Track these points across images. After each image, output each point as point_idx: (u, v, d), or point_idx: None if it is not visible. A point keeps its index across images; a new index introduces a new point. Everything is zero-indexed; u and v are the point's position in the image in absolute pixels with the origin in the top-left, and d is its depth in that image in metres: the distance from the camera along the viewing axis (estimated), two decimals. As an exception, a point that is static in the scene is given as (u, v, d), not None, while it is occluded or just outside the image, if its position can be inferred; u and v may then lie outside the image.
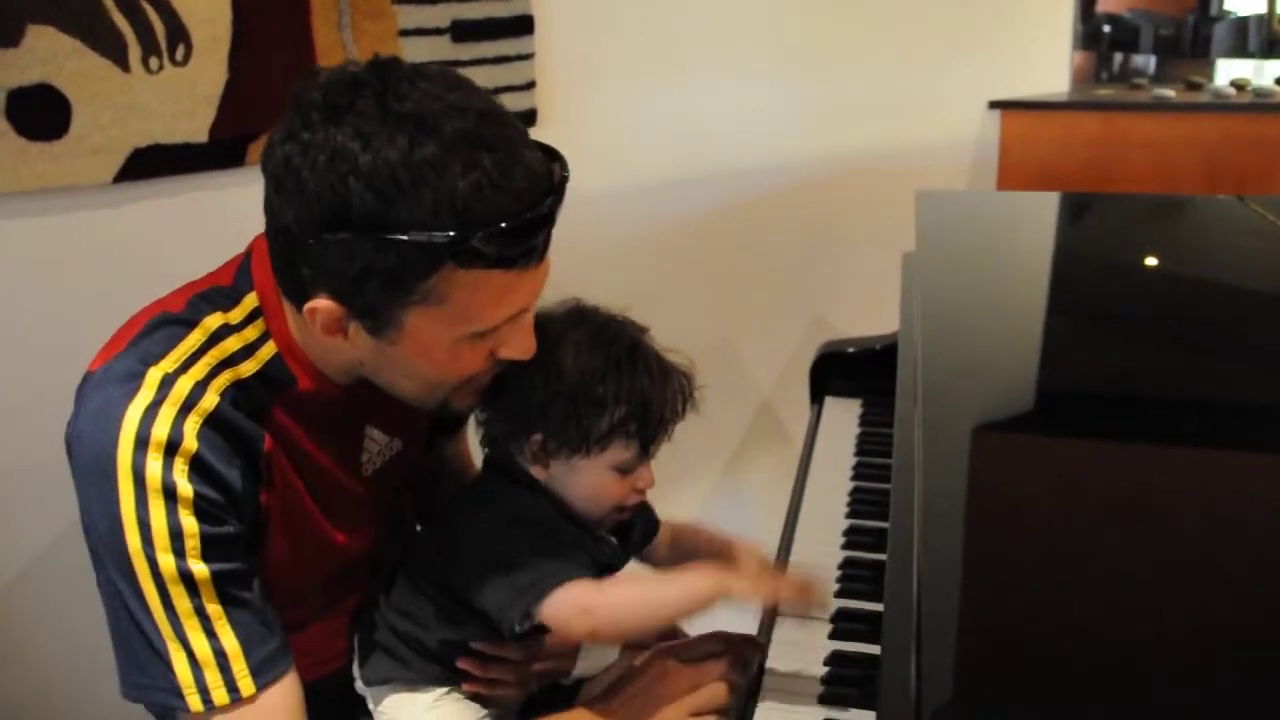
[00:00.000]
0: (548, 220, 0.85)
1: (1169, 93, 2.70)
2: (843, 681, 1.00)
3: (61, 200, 1.34)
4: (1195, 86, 2.86)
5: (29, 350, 1.34)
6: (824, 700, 0.98)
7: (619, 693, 1.00)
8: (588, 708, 0.99)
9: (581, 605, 0.93)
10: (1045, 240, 1.78)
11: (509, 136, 0.83)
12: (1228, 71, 3.05)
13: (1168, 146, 2.57)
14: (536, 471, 1.01)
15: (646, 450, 1.00)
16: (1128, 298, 1.49)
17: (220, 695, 0.88)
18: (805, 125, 2.30)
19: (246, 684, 0.89)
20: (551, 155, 0.88)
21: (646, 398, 0.97)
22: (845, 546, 1.24)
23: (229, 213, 1.37)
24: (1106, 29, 3.10)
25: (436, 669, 1.04)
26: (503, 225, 0.81)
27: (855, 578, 1.17)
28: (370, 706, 1.07)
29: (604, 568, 1.05)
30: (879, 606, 1.00)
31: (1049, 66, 2.87)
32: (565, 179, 0.87)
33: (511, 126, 0.85)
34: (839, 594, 1.14)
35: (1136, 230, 1.87)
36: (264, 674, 0.90)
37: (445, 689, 1.05)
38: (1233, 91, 2.71)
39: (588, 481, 1.00)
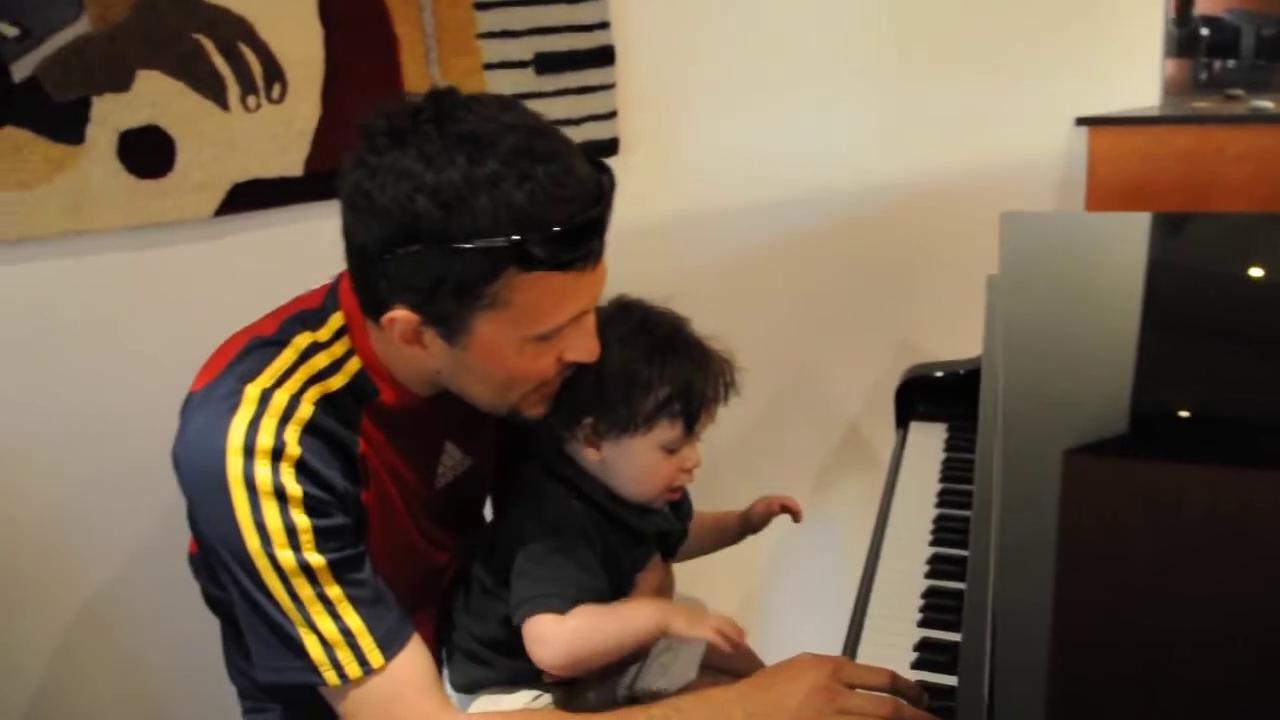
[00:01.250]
0: (599, 224, 0.92)
1: (1267, 104, 2.61)
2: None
3: (167, 234, 1.41)
4: (1296, 96, 2.77)
5: (138, 373, 1.41)
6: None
7: (764, 685, 0.98)
8: (720, 691, 0.98)
9: (540, 638, 1.01)
10: (1135, 261, 1.74)
11: (560, 150, 0.90)
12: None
13: (1266, 159, 2.48)
14: (589, 454, 1.06)
15: (691, 429, 1.06)
16: (1223, 320, 1.44)
17: (353, 669, 0.95)
18: (888, 147, 2.29)
19: (375, 656, 0.95)
20: (599, 167, 0.94)
21: (688, 378, 1.04)
22: (929, 575, 1.23)
23: (323, 243, 1.41)
24: (1204, 32, 3.01)
25: (522, 664, 1.06)
26: (558, 229, 0.87)
27: (939, 607, 1.16)
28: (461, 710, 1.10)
29: (661, 534, 1.14)
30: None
31: (1139, 78, 2.80)
32: (613, 187, 0.93)
33: (562, 141, 0.92)
34: (921, 624, 1.13)
35: (1233, 249, 1.81)
36: (390, 645, 0.97)
37: (535, 692, 1.08)
38: (1336, 102, 2.61)
39: (637, 461, 1.05)
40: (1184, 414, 1.19)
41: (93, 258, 1.36)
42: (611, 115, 1.80)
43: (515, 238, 0.86)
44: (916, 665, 1.07)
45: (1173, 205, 2.46)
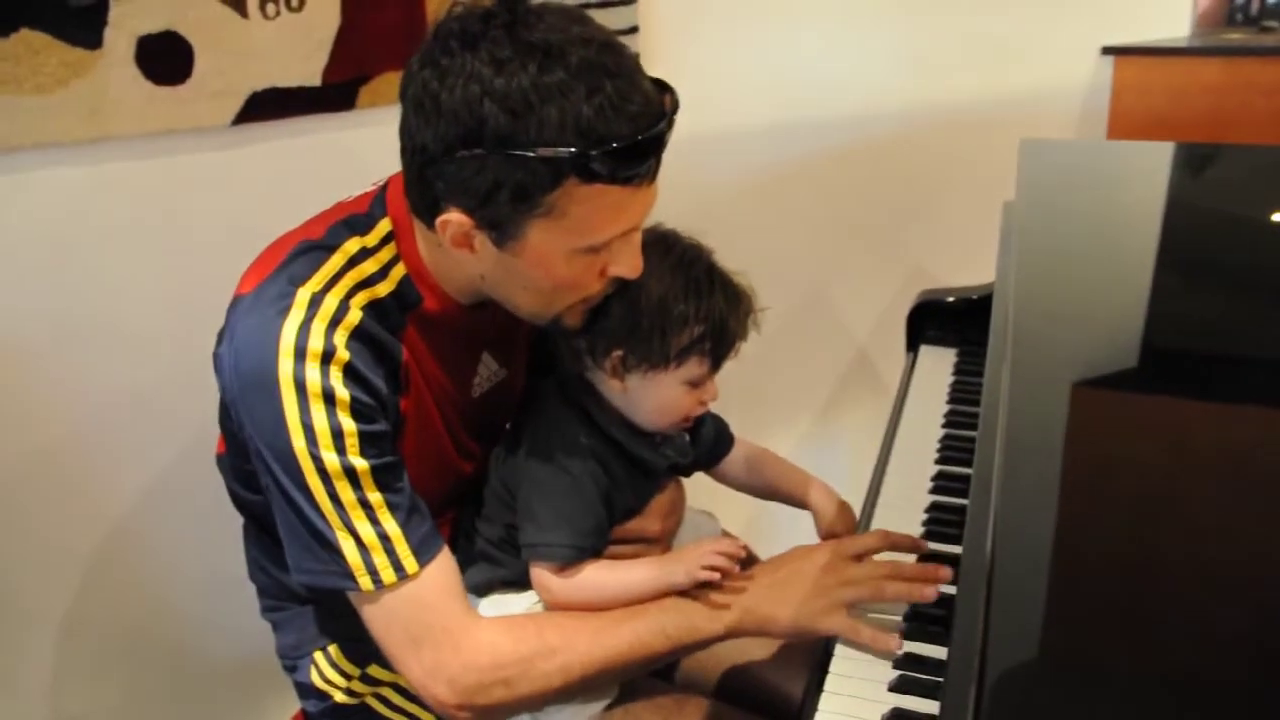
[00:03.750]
0: (661, 142, 0.91)
1: (1299, 37, 2.57)
2: (924, 619, 1.02)
3: (184, 141, 1.41)
4: (1332, 30, 2.71)
5: (153, 282, 1.42)
6: (904, 635, 1.00)
7: (774, 572, 1.05)
8: (728, 584, 1.04)
9: (543, 586, 1.04)
10: (1153, 191, 1.73)
11: (628, 67, 0.90)
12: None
13: (1296, 95, 2.44)
14: (614, 385, 1.06)
15: (717, 365, 1.07)
16: (1239, 254, 1.44)
17: (388, 574, 0.97)
18: (910, 72, 2.26)
19: (410, 563, 0.98)
20: (663, 87, 0.94)
21: (722, 317, 1.04)
22: (933, 491, 1.25)
23: (340, 154, 1.43)
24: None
25: None
26: (621, 144, 0.88)
27: (942, 521, 1.18)
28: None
29: (672, 467, 1.15)
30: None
31: (1171, 9, 2.75)
32: (676, 106, 0.93)
33: (629, 58, 0.91)
34: (925, 536, 1.15)
35: (1254, 183, 1.80)
36: (424, 553, 0.99)
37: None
38: (1371, 35, 2.56)
39: (661, 394, 1.06)
40: (1193, 347, 1.19)
41: (110, 165, 1.37)
42: (633, 30, 1.79)
43: (577, 149, 0.87)
44: (918, 576, 1.09)
45: (1196, 137, 2.43)
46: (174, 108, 1.38)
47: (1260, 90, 2.46)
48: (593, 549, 1.05)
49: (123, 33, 1.32)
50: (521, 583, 1.08)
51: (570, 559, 1.03)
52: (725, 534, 1.26)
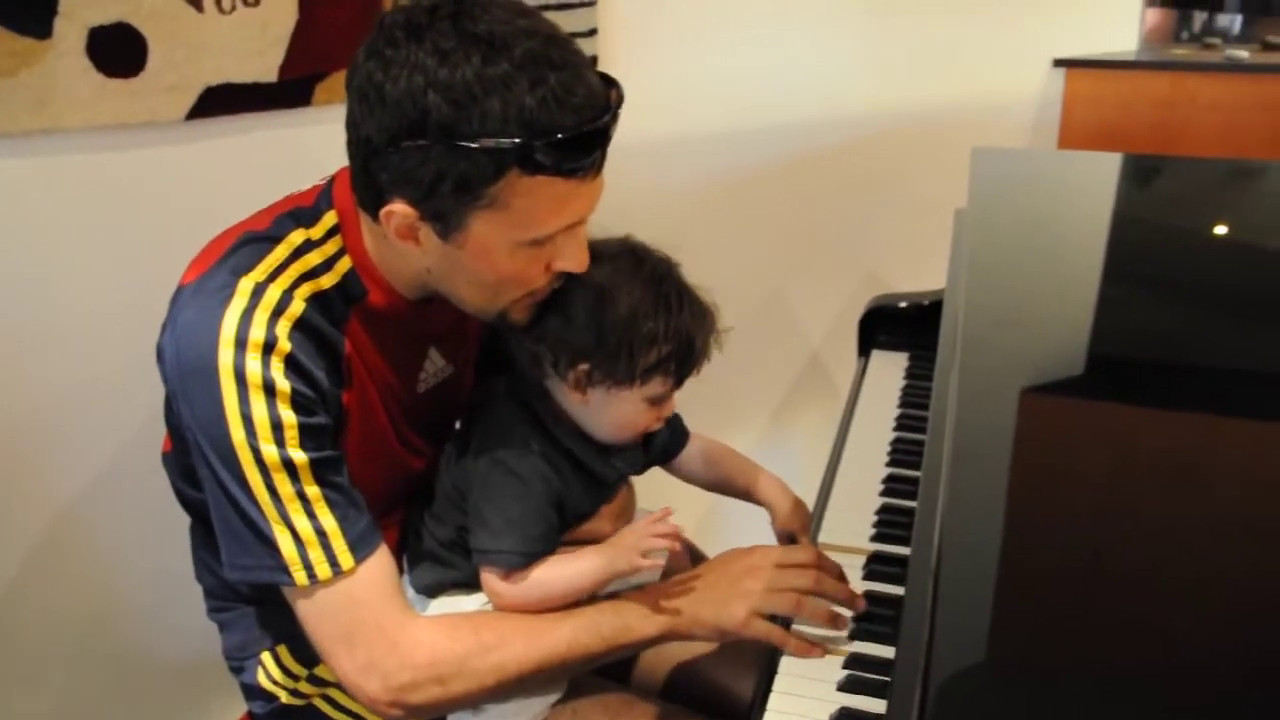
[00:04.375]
0: (605, 134, 0.92)
1: (1242, 53, 2.63)
2: (874, 619, 1.04)
3: (136, 135, 1.39)
4: (1273, 47, 2.78)
5: (102, 278, 1.40)
6: (852, 636, 1.02)
7: (705, 574, 1.06)
8: (664, 585, 1.05)
9: (492, 590, 1.04)
10: (1101, 201, 1.77)
11: (573, 59, 0.90)
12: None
13: (1238, 109, 2.50)
14: (574, 398, 1.05)
15: (679, 383, 1.06)
16: (1183, 263, 1.47)
17: (323, 570, 0.96)
18: (865, 80, 2.29)
19: (346, 558, 0.97)
20: (609, 82, 0.95)
21: (690, 336, 1.03)
22: (884, 494, 1.26)
23: (296, 151, 1.42)
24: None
25: None
26: (564, 136, 0.88)
27: (893, 524, 1.19)
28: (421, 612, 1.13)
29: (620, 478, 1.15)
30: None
31: (1119, 24, 2.81)
32: (621, 99, 0.94)
33: (575, 51, 0.92)
34: (875, 538, 1.17)
35: (1198, 194, 1.84)
36: (361, 549, 0.98)
37: None
38: (1311, 54, 2.63)
39: (621, 410, 1.05)
40: (1139, 354, 1.22)
41: (60, 157, 1.35)
42: (591, 33, 1.79)
43: (521, 140, 0.87)
44: (868, 577, 1.11)
45: (1144, 149, 2.48)
46: (126, 101, 1.36)
47: (1204, 105, 2.52)
48: (542, 554, 1.04)
49: (73, 23, 1.30)
50: (472, 584, 1.08)
51: (519, 565, 1.03)
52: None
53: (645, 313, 1.01)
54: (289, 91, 1.48)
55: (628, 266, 1.03)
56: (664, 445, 1.21)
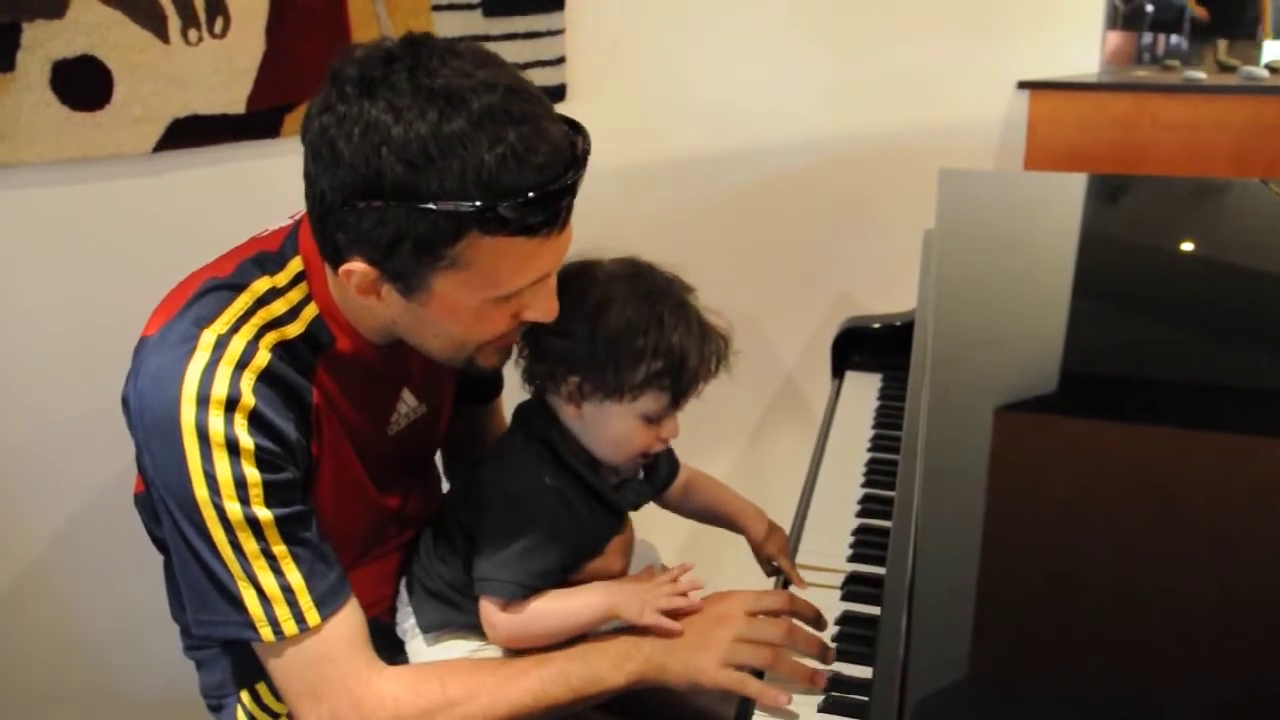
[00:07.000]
0: (569, 191, 0.89)
1: (1200, 75, 2.68)
2: (852, 640, 1.04)
3: (103, 169, 1.38)
4: (1228, 69, 2.84)
5: (69, 314, 1.39)
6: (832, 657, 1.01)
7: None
8: (635, 633, 1.02)
9: (488, 620, 1.03)
10: (1067, 220, 1.79)
11: (534, 112, 0.87)
12: (1276, 53, 3.01)
13: (1198, 129, 2.55)
14: (570, 412, 1.05)
15: (677, 403, 1.05)
16: (1149, 280, 1.49)
17: (290, 626, 0.95)
18: (833, 103, 2.31)
19: (312, 615, 0.95)
20: (575, 128, 0.92)
21: (684, 354, 1.01)
22: (860, 514, 1.26)
23: (265, 182, 1.41)
24: (1149, 9, 3.07)
25: None
26: (526, 196, 0.85)
27: (869, 544, 1.20)
28: (419, 648, 1.12)
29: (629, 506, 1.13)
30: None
31: (1080, 47, 2.86)
32: (587, 151, 0.91)
33: (537, 102, 0.88)
34: (852, 558, 1.17)
35: (1162, 212, 1.87)
36: (327, 605, 0.96)
37: (480, 643, 1.09)
38: (1265, 74, 2.68)
39: (617, 426, 1.04)
40: (1107, 371, 1.23)
41: (24, 191, 1.34)
42: (560, 61, 1.80)
43: (480, 203, 0.84)
44: (846, 598, 1.11)
45: (1108, 169, 2.53)
46: (91, 134, 1.35)
47: (1165, 125, 2.57)
48: (542, 590, 1.03)
49: (36, 56, 1.29)
50: (478, 628, 1.06)
51: (518, 595, 1.01)
52: (665, 567, 1.26)
53: (636, 328, 1.00)
54: (257, 123, 1.48)
55: (627, 283, 1.03)
56: (666, 476, 1.19)
